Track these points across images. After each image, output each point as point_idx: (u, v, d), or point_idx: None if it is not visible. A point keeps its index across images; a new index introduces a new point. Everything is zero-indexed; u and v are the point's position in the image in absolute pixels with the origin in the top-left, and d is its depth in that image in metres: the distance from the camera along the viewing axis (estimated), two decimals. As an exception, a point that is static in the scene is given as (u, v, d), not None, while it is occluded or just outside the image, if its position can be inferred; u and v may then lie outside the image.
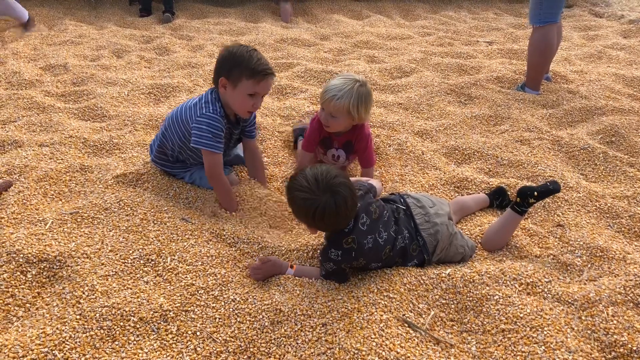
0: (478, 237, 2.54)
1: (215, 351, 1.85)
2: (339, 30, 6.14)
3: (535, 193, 2.40)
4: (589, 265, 2.35)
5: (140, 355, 1.81)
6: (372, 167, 3.00)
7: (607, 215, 2.76)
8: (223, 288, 2.11)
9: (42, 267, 2.10)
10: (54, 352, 1.76)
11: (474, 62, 5.01)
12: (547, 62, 4.32)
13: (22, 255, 2.11)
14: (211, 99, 2.62)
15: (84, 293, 2.01)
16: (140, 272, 2.16)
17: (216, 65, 2.60)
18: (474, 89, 4.30)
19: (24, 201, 2.55)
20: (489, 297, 2.08)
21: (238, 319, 1.97)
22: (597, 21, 6.93)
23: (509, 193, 2.84)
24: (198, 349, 1.86)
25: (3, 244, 2.15)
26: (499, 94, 4.26)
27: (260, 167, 2.96)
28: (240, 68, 2.50)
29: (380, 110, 3.89)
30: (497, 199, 2.81)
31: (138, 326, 1.90)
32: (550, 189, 2.42)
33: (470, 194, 2.88)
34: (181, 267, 2.19)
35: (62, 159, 2.96)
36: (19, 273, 2.06)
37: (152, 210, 2.51)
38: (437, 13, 7.13)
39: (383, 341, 1.85)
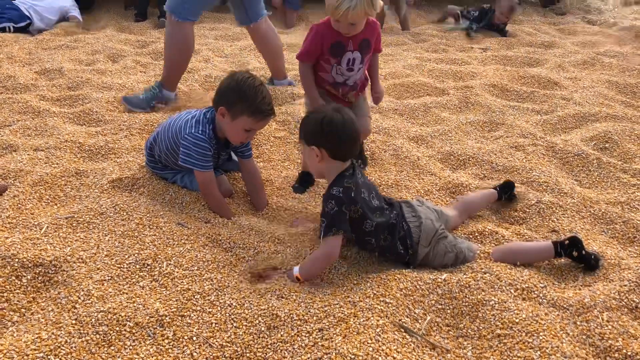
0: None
1: (211, 356, 1.85)
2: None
3: (576, 254, 2.36)
4: (584, 271, 2.36)
5: (136, 360, 1.81)
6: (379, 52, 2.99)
7: (601, 221, 2.77)
8: (219, 293, 2.10)
9: (37, 271, 2.09)
10: (49, 357, 1.75)
11: (468, 69, 5.04)
12: (186, 62, 3.86)
13: (17, 260, 2.10)
14: (202, 120, 2.62)
15: (79, 298, 2.00)
16: (136, 276, 2.16)
17: (219, 91, 2.58)
18: (470, 95, 4.32)
19: (19, 205, 2.55)
20: (484, 302, 2.09)
21: (234, 324, 1.96)
22: (590, 28, 6.99)
23: (516, 186, 2.88)
24: (194, 354, 1.85)
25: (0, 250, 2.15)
26: (494, 100, 4.28)
27: (260, 188, 2.87)
28: (243, 104, 2.50)
29: (375, 116, 3.90)
30: (506, 192, 2.84)
31: (134, 331, 1.89)
32: (591, 265, 2.36)
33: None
34: (177, 272, 2.19)
35: (57, 164, 2.95)
36: (14, 278, 2.05)
37: (148, 215, 2.51)
38: (431, 20, 7.16)
39: (379, 346, 1.85)
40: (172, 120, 2.78)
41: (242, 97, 2.50)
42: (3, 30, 5.45)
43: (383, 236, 2.32)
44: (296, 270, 2.24)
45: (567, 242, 2.37)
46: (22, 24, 5.60)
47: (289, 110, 3.91)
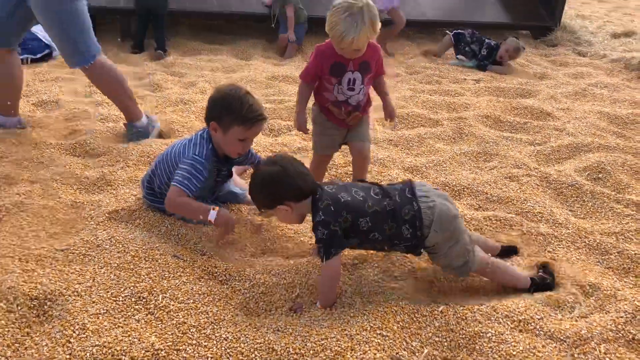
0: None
1: (207, 391, 1.83)
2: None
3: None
4: (580, 302, 2.36)
5: (131, 396, 1.78)
6: (384, 74, 3.05)
7: (596, 251, 2.79)
8: (215, 326, 2.09)
9: (32, 305, 2.08)
10: (43, 393, 1.73)
11: (462, 100, 5.11)
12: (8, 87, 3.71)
13: (12, 293, 2.08)
14: (199, 141, 2.65)
15: (74, 332, 1.98)
16: (132, 310, 2.14)
17: (207, 107, 2.64)
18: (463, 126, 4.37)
19: (15, 238, 2.54)
20: (481, 334, 2.09)
21: (230, 358, 1.95)
22: (581, 60, 7.11)
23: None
24: (190, 389, 1.83)
25: (-7, 282, 2.13)
26: (487, 131, 4.33)
27: None
28: (231, 115, 2.54)
29: (370, 146, 3.93)
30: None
31: (129, 366, 1.87)
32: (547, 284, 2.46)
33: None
34: (173, 305, 2.18)
35: (53, 196, 2.95)
36: (8, 312, 2.03)
37: (144, 247, 2.50)
38: (425, 53, 7.25)
39: (377, 380, 1.84)
40: (169, 150, 2.80)
41: (229, 108, 2.55)
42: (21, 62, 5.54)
43: (387, 226, 2.26)
44: (318, 305, 2.27)
45: (542, 283, 2.45)
46: (40, 55, 5.69)
47: (285, 141, 3.95)
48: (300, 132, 3.08)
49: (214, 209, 2.56)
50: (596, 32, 8.42)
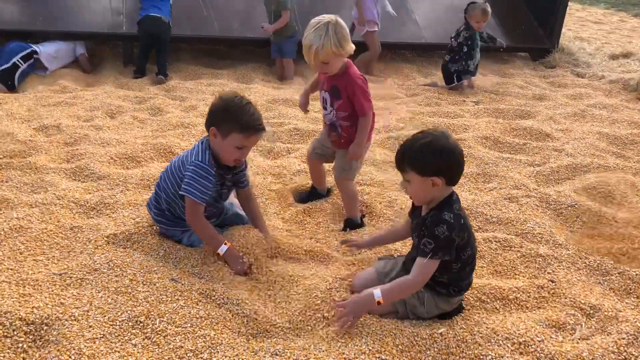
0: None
1: (203, 417, 1.80)
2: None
3: None
4: (581, 324, 2.34)
5: (126, 422, 1.76)
6: (366, 117, 2.98)
7: (597, 272, 2.77)
8: (212, 351, 2.07)
9: (28, 330, 2.06)
10: (37, 419, 1.71)
11: (461, 121, 5.13)
12: None
13: (8, 318, 2.07)
14: (201, 149, 2.67)
15: (70, 357, 1.97)
16: (129, 334, 2.12)
17: (209, 113, 2.67)
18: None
19: (13, 262, 2.53)
20: (482, 357, 2.07)
21: (227, 383, 1.93)
22: (579, 81, 7.15)
23: None
24: (186, 414, 1.81)
25: (-11, 307, 2.12)
26: (487, 152, 4.34)
27: (257, 210, 2.95)
28: (232, 121, 2.56)
29: (369, 168, 3.94)
30: None
31: (125, 391, 1.85)
32: None
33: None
34: (170, 329, 2.16)
35: (52, 220, 2.95)
36: (4, 337, 2.02)
37: (142, 271, 2.49)
38: (425, 75, 7.30)
39: (375, 405, 1.82)
40: (170, 164, 2.81)
41: (231, 114, 2.57)
42: (15, 67, 5.76)
43: (469, 267, 2.28)
44: (378, 294, 2.17)
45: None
46: (27, 51, 5.92)
47: (285, 163, 3.95)
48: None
49: (226, 243, 2.62)
50: (594, 54, 8.48)
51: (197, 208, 2.62)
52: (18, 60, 5.83)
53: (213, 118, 2.63)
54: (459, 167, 2.21)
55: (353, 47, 2.90)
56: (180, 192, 2.63)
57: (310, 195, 3.51)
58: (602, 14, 13.32)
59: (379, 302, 2.17)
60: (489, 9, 6.17)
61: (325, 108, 3.08)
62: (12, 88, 5.69)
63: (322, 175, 3.47)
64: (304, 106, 3.26)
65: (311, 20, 2.87)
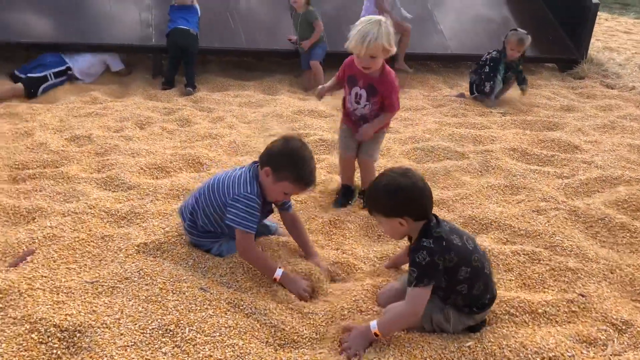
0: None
1: None
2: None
3: None
4: (613, 339, 2.30)
5: None
6: (392, 114, 3.41)
7: (630, 287, 2.72)
8: (241, 360, 2.09)
9: (62, 337, 2.11)
10: None
11: (488, 133, 5.10)
12: None
13: (43, 325, 2.12)
14: (250, 179, 2.66)
15: (102, 364, 2.01)
16: (159, 342, 2.16)
17: (269, 151, 2.65)
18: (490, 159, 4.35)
19: (47, 270, 2.59)
20: (511, 371, 2.05)
21: (256, 393, 1.94)
22: (609, 92, 7.04)
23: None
24: (215, 423, 1.83)
25: (26, 314, 2.18)
26: (514, 163, 4.30)
27: (304, 237, 2.93)
28: (290, 172, 2.57)
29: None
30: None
31: (155, 399, 1.88)
32: None
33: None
34: (199, 338, 2.19)
35: (84, 228, 3.02)
36: (39, 343, 2.07)
37: (171, 280, 2.53)
38: (452, 86, 7.28)
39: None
40: (213, 181, 2.80)
41: (291, 164, 2.58)
42: (45, 79, 5.92)
43: (477, 285, 2.25)
44: (374, 325, 2.19)
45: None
46: (62, 68, 6.09)
47: (311, 174, 3.97)
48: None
49: (280, 267, 2.64)
50: (624, 64, 8.35)
51: (249, 238, 2.63)
52: (50, 74, 5.99)
53: (272, 160, 2.61)
54: (420, 204, 2.24)
55: (395, 49, 3.16)
56: (227, 222, 2.63)
57: (345, 195, 3.61)
58: (632, 23, 13.09)
59: (376, 334, 2.18)
60: (527, 41, 6.14)
61: (358, 103, 3.35)
62: (32, 96, 5.79)
63: (354, 170, 3.64)
64: (321, 97, 3.52)
65: (360, 19, 3.15)
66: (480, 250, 2.33)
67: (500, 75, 6.24)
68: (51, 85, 6.00)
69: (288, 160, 2.58)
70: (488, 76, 6.22)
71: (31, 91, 5.81)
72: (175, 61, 6.53)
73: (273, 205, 2.89)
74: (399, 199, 2.22)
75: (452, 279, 2.21)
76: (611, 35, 11.55)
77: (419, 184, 2.25)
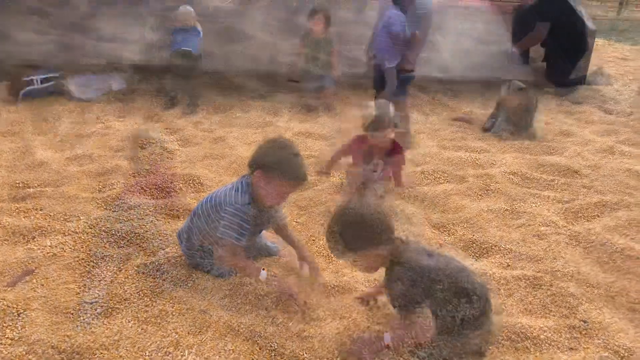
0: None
1: None
2: (356, 124, 6.31)
3: None
4: None
5: None
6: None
7: (632, 313, 2.71)
8: (240, 384, 2.07)
9: (59, 358, 2.11)
10: None
11: (487, 157, 5.11)
12: None
13: (40, 346, 2.10)
14: (242, 189, 2.68)
15: (100, 387, 1.98)
16: (157, 365, 2.14)
17: (256, 155, 2.68)
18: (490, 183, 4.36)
19: (45, 290, 2.58)
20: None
21: (255, 418, 1.92)
22: (607, 117, 7.08)
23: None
24: None
25: (24, 334, 2.16)
26: (514, 188, 4.31)
27: (295, 241, 2.97)
28: (279, 170, 2.59)
29: (395, 203, 3.94)
30: None
31: (153, 423, 1.86)
32: None
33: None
34: (198, 361, 2.17)
35: (84, 248, 3.00)
36: (37, 365, 2.05)
37: (171, 302, 2.52)
38: (453, 109, 7.31)
39: None
40: (207, 198, 2.82)
41: (279, 164, 2.59)
42: (29, 83, 5.90)
43: (464, 302, 2.21)
44: (387, 338, 2.20)
45: None
46: (49, 75, 6.09)
47: (311, 195, 3.98)
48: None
49: (264, 269, 2.65)
50: (622, 90, 8.41)
51: (236, 249, 2.63)
52: (36, 79, 5.94)
53: (260, 161, 2.64)
54: (382, 237, 2.24)
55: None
56: (218, 234, 2.63)
57: None
58: (628, 50, 13.23)
59: (387, 346, 2.19)
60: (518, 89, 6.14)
61: (375, 171, 3.93)
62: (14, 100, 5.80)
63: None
64: (327, 174, 4.09)
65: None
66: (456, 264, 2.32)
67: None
68: (35, 90, 5.95)
69: (275, 160, 2.60)
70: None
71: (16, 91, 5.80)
72: (177, 81, 6.59)
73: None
74: (360, 234, 2.23)
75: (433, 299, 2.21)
76: (609, 61, 11.67)
77: (367, 216, 2.24)
